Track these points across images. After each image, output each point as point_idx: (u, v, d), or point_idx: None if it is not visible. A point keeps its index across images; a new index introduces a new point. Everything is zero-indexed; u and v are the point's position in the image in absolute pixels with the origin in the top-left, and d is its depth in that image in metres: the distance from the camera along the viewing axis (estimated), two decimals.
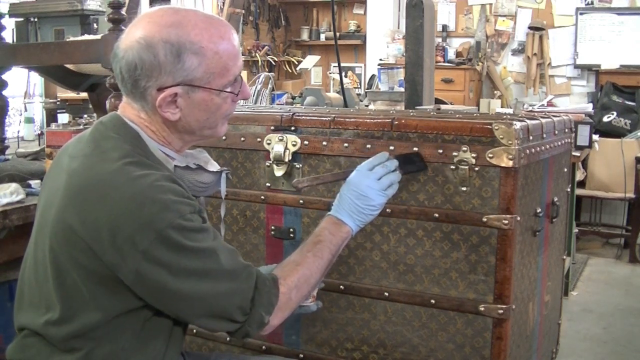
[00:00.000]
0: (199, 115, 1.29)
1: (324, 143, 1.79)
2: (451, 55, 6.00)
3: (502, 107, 5.69)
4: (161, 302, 1.23)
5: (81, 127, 2.21)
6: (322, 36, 7.12)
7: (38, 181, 2.16)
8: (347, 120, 1.78)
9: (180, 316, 1.27)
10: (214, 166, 1.49)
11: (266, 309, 1.29)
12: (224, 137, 1.88)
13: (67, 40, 2.63)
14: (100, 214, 1.17)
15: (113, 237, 1.16)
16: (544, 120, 1.82)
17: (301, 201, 1.84)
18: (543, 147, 1.79)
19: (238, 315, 1.27)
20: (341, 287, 1.81)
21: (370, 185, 1.50)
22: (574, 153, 2.65)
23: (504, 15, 6.16)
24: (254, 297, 1.27)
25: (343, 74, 4.29)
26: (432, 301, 1.71)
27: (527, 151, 1.65)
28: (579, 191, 4.58)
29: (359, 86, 6.69)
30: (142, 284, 1.19)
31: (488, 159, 1.60)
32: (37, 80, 4.58)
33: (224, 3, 5.81)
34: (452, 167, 1.65)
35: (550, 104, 5.41)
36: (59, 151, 1.38)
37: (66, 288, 1.22)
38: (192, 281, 1.20)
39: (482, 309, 1.65)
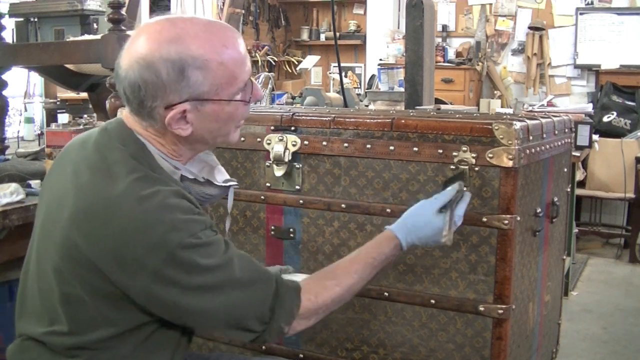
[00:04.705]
0: (211, 126, 1.26)
1: (324, 143, 1.79)
2: (451, 55, 6.00)
3: (502, 107, 5.69)
4: (176, 317, 1.22)
5: (81, 127, 2.21)
6: (322, 36, 7.12)
7: (38, 181, 2.16)
8: (347, 120, 1.78)
9: (196, 327, 1.27)
10: (222, 173, 1.44)
11: (286, 320, 1.27)
12: None
13: (67, 40, 2.63)
14: (108, 235, 1.15)
15: (122, 259, 1.15)
16: (544, 120, 1.82)
17: (301, 201, 1.84)
18: (543, 147, 1.78)
19: (255, 325, 1.25)
20: None
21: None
22: (574, 153, 2.65)
23: (504, 15, 6.16)
24: (273, 307, 1.25)
25: (343, 74, 4.29)
26: (432, 301, 1.71)
27: (527, 151, 1.65)
28: (579, 191, 4.58)
29: (359, 86, 6.69)
30: (154, 302, 1.18)
31: (488, 159, 1.60)
32: (37, 80, 4.58)
33: (224, 3, 5.81)
34: (452, 167, 1.65)
35: (550, 104, 5.41)
36: (61, 152, 1.35)
37: (72, 304, 1.20)
38: (205, 296, 1.19)
39: (482, 309, 1.65)
